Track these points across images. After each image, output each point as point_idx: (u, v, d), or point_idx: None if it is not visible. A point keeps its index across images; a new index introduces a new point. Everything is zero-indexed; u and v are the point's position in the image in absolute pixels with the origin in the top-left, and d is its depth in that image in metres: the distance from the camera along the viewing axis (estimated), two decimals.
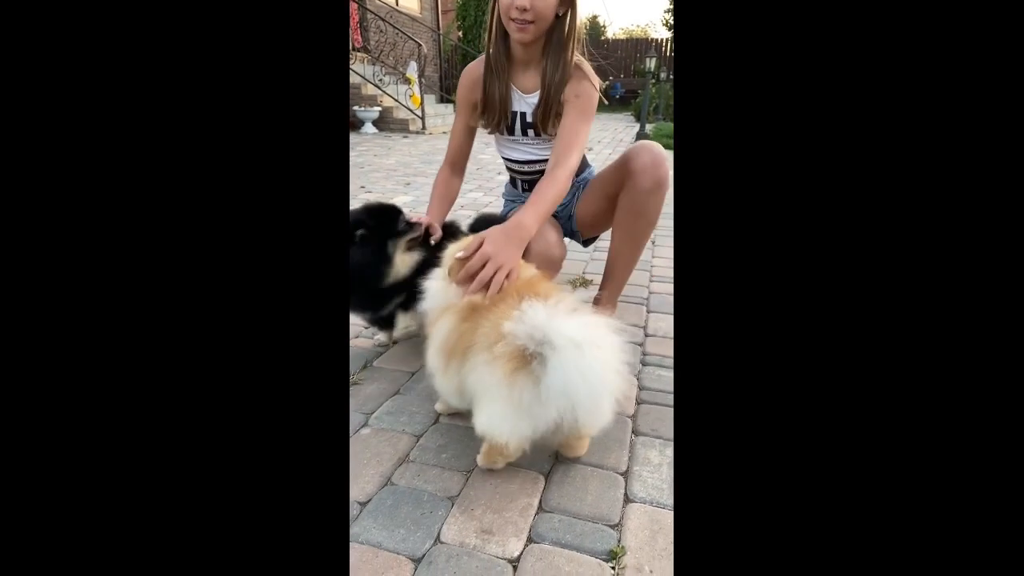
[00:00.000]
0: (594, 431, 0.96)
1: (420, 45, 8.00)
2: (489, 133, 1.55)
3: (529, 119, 1.46)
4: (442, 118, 8.52)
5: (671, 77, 11.10)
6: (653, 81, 9.06)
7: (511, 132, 1.51)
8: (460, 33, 10.50)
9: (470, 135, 1.56)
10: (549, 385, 0.80)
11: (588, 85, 1.36)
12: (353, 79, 7.63)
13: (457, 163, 1.57)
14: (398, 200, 3.42)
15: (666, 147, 6.56)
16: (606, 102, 1.48)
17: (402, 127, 7.76)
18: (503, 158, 1.63)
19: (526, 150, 1.55)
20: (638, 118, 8.58)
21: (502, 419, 0.89)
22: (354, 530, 0.86)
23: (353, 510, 0.90)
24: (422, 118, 7.74)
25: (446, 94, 10.21)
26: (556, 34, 1.33)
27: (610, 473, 1.00)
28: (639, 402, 1.24)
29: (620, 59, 15.47)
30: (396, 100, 7.71)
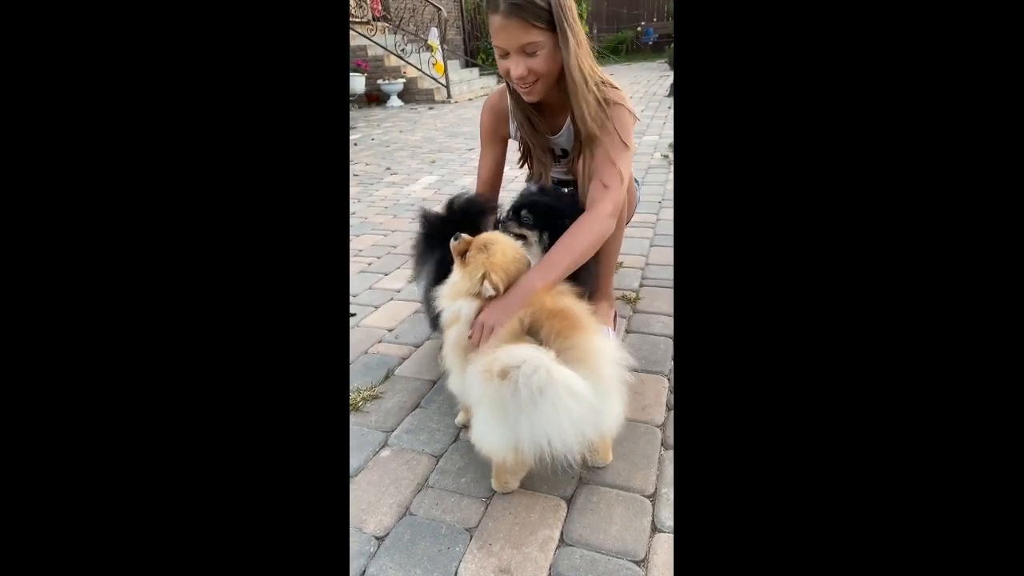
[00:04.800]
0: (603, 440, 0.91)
1: (439, 9, 7.74)
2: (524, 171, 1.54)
3: (558, 152, 1.41)
4: (467, 84, 8.29)
5: None
6: None
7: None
8: None
9: (500, 165, 1.51)
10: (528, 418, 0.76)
11: (612, 123, 1.21)
12: (375, 50, 7.48)
13: (495, 189, 1.52)
14: (423, 180, 3.37)
15: None
16: (638, 119, 1.36)
17: (427, 98, 7.61)
18: None
19: (555, 171, 1.50)
20: (673, 66, 8.11)
21: (487, 426, 0.87)
22: (371, 570, 0.84)
23: (371, 546, 0.88)
24: (447, 86, 7.56)
25: (470, 58, 9.92)
26: (568, 75, 1.17)
27: (636, 496, 0.94)
28: (670, 407, 1.17)
29: (652, 1, 14.52)
30: (419, 70, 7.53)
